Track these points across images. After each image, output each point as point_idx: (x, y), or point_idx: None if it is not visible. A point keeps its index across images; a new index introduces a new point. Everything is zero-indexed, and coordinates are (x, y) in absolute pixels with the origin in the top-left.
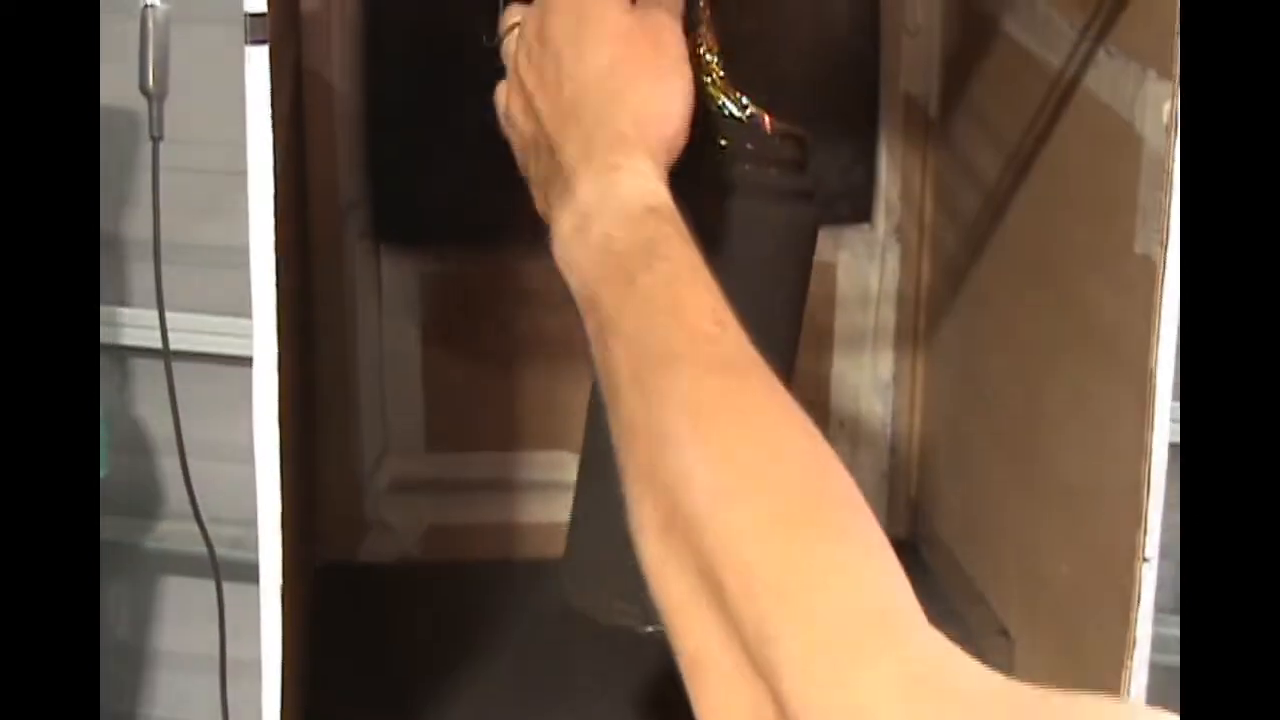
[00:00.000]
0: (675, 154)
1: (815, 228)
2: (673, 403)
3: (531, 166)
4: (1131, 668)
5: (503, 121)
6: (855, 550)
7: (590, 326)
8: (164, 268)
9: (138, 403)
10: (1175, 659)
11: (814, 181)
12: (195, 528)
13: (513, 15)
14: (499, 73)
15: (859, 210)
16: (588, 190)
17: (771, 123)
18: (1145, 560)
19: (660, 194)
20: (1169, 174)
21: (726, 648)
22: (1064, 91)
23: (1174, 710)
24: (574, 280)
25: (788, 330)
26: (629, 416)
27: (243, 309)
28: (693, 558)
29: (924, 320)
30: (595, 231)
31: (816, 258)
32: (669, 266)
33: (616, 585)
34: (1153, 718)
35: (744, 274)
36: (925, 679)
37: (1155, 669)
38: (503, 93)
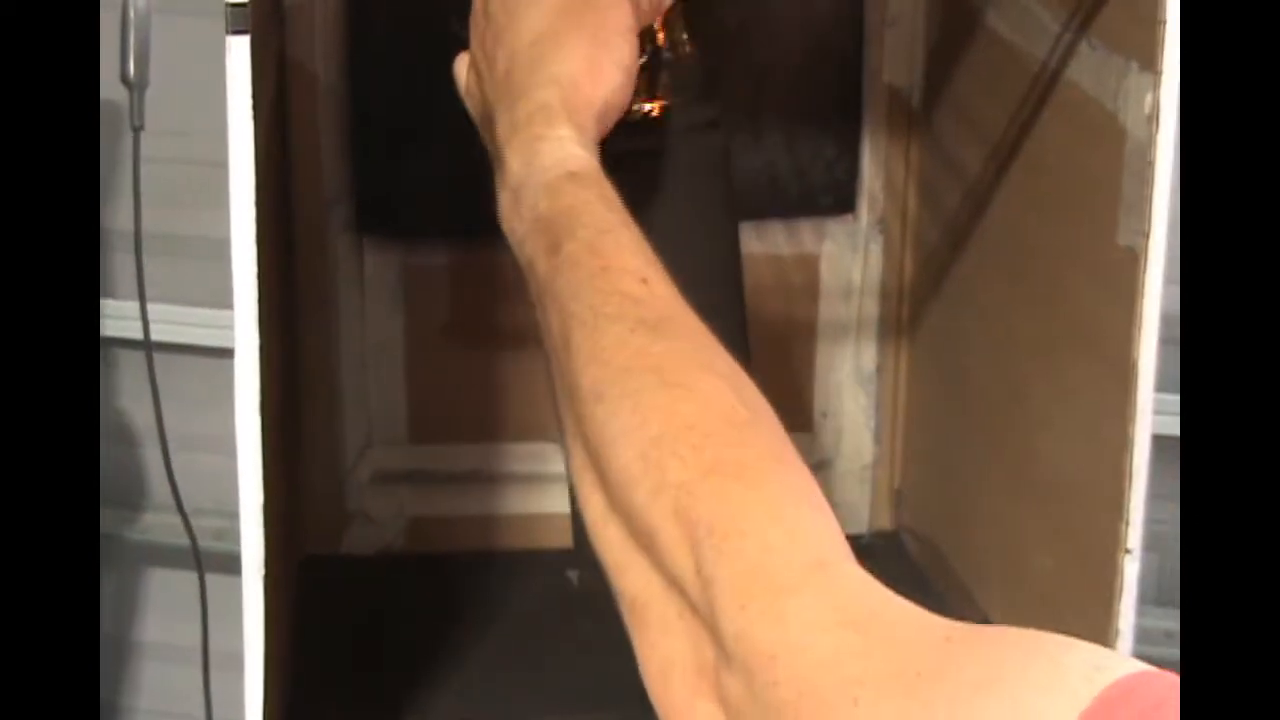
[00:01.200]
0: (608, 120)
1: (726, 154)
2: (600, 362)
3: (485, 140)
4: None
5: (462, 96)
6: (784, 495)
7: (531, 292)
8: (145, 259)
9: (120, 394)
10: (1158, 650)
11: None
12: (178, 519)
13: None
14: None
15: (842, 202)
16: (516, 163)
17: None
18: (1128, 552)
19: (582, 159)
20: (1151, 165)
21: (666, 592)
22: (1047, 84)
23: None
24: (515, 248)
25: (725, 263)
26: (563, 377)
27: (225, 301)
28: (627, 510)
29: (907, 312)
30: (526, 203)
31: (800, 249)
32: (590, 233)
33: None
34: (1092, 653)
35: (665, 214)
36: (855, 613)
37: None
38: (461, 67)
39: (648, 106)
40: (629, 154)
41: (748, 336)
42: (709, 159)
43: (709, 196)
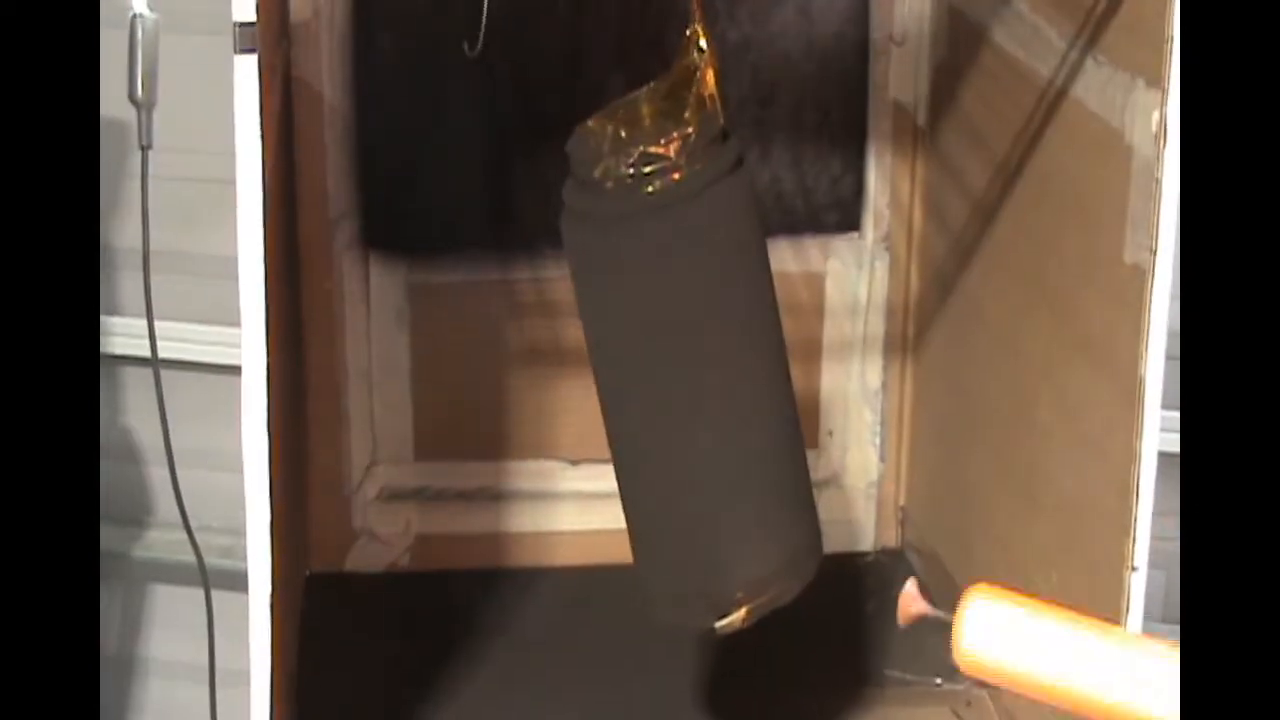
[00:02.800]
0: None
1: (752, 188)
2: None
3: None
4: None
5: None
6: None
7: None
8: (153, 277)
9: (127, 411)
10: None
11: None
12: (184, 536)
13: None
14: (488, 85)
15: (848, 219)
16: None
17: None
18: (1134, 569)
19: None
20: (1158, 182)
21: None
22: (1053, 100)
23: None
24: None
25: (767, 299)
26: None
27: (232, 318)
28: None
29: (913, 329)
30: None
31: (805, 267)
32: None
33: (688, 584)
34: None
35: (712, 265)
36: None
37: None
38: None
39: (665, 141)
40: (652, 209)
41: (788, 362)
42: (741, 201)
43: (745, 238)
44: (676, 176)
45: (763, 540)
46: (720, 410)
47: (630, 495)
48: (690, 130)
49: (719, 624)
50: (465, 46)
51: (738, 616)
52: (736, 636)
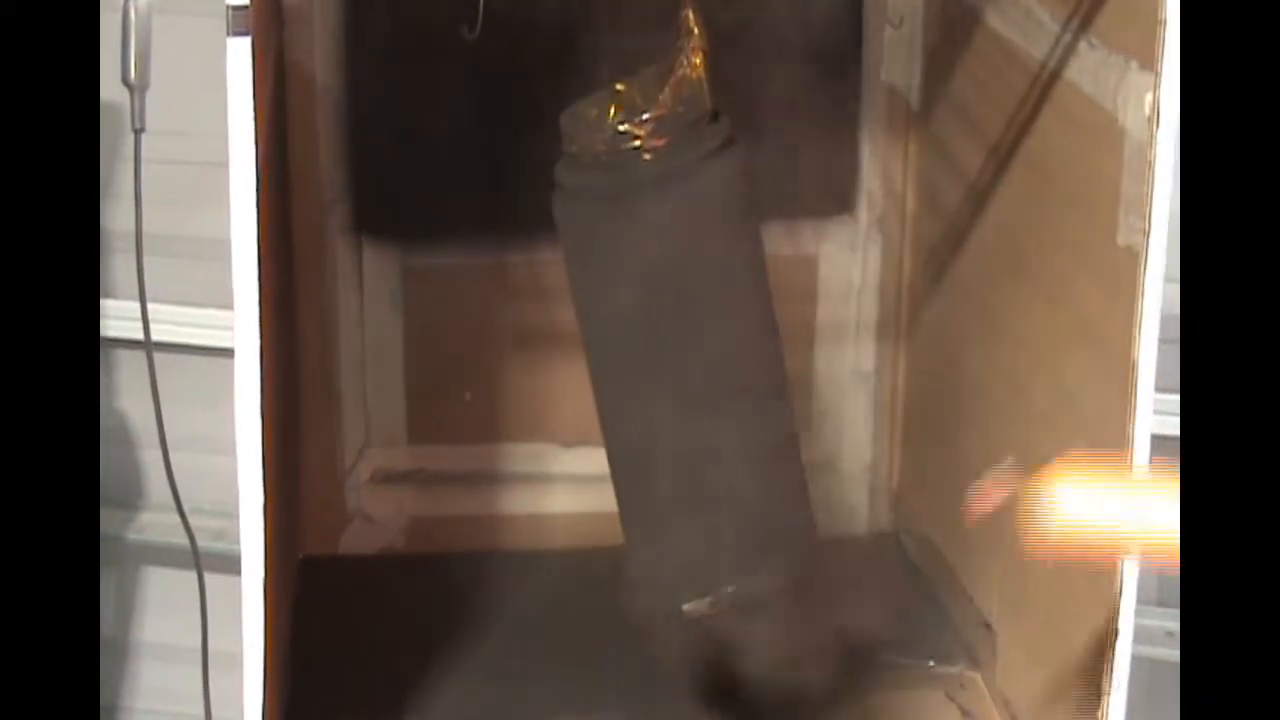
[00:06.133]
0: None
1: (747, 168)
2: None
3: None
4: (1114, 659)
5: None
6: None
7: None
8: (146, 260)
9: (120, 394)
10: (1156, 650)
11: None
12: (177, 519)
13: None
14: (482, 67)
15: (841, 202)
16: None
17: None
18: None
19: None
20: (1151, 165)
21: None
22: (1046, 83)
23: (1172, 708)
24: None
25: (759, 279)
26: None
27: (225, 301)
28: None
29: (906, 311)
30: None
31: (799, 250)
32: None
33: (668, 566)
34: None
35: (704, 243)
36: None
37: (1137, 661)
38: None
39: (641, 120)
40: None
41: (781, 344)
42: (729, 180)
43: (733, 217)
44: (649, 156)
45: (750, 524)
46: (708, 394)
47: (619, 476)
48: (667, 109)
49: (686, 606)
50: (465, 30)
51: (703, 601)
52: (730, 619)
